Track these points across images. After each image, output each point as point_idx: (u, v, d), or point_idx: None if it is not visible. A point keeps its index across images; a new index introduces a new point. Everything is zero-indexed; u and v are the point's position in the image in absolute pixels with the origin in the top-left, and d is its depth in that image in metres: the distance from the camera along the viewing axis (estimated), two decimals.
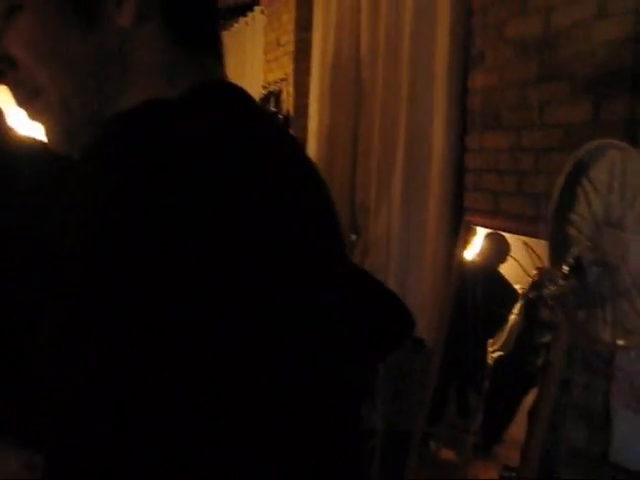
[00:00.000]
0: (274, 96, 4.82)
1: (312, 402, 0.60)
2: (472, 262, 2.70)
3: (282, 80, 4.75)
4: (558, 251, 1.79)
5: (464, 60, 2.63)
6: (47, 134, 0.72)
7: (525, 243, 2.13)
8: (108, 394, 0.50)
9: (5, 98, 0.79)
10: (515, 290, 2.45)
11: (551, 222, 1.80)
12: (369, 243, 3.47)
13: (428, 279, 2.90)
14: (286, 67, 4.69)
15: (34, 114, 0.71)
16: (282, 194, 0.62)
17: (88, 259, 0.51)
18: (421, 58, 2.91)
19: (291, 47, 4.61)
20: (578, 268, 1.64)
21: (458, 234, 2.67)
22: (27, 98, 0.70)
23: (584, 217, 1.71)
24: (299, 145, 0.73)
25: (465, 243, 2.65)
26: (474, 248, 2.68)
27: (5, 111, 1.29)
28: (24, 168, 1.21)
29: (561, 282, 1.63)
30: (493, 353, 2.55)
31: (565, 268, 1.65)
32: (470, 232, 2.64)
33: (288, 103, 4.64)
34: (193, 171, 0.54)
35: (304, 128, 4.34)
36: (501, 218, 2.44)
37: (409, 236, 3.07)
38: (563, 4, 2.09)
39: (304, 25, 4.47)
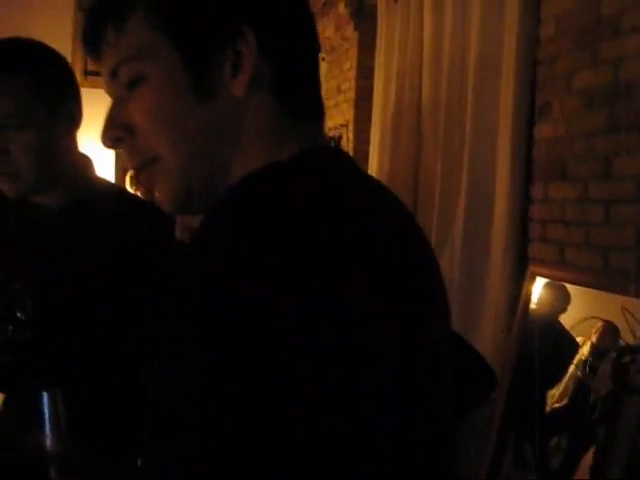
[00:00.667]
0: (334, 141, 4.87)
1: (414, 452, 0.61)
2: (533, 312, 2.66)
3: (342, 126, 4.81)
4: None
5: (529, 111, 2.63)
6: (161, 198, 0.75)
7: (624, 308, 2.07)
8: (232, 447, 0.52)
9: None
10: (576, 341, 2.40)
11: None
12: None
13: (490, 329, 2.86)
14: (346, 113, 4.75)
15: (149, 179, 0.75)
16: (388, 252, 0.63)
17: (215, 310, 0.54)
18: (484, 109, 2.92)
19: (352, 94, 4.68)
20: None
21: (522, 285, 2.63)
22: (143, 164, 0.74)
23: None
24: (403, 206, 0.75)
25: (528, 294, 2.62)
26: (536, 298, 2.64)
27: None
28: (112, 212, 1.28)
29: None
30: (552, 405, 2.49)
31: None
32: (534, 283, 2.60)
33: (348, 149, 4.68)
34: (311, 232, 0.58)
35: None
36: (567, 270, 2.40)
37: (471, 286, 3.04)
38: (634, 55, 2.08)
39: (365, 73, 4.54)
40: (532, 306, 2.65)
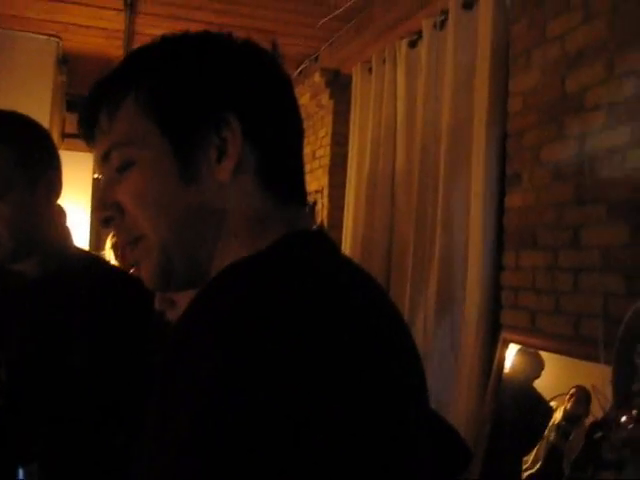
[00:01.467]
0: (309, 207, 4.93)
1: None
2: (507, 377, 2.67)
3: (317, 192, 4.88)
4: (622, 390, 1.78)
5: (500, 181, 2.70)
6: (144, 274, 0.78)
7: (594, 387, 2.10)
8: None
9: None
10: (549, 406, 2.41)
11: (615, 362, 1.79)
12: None
13: (465, 396, 2.86)
14: (321, 180, 4.83)
15: (135, 256, 0.78)
16: (369, 343, 0.63)
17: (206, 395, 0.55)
18: (456, 179, 2.99)
19: (326, 160, 4.76)
20: None
21: (495, 351, 2.66)
22: (130, 241, 0.77)
23: None
24: (378, 288, 0.76)
25: (501, 360, 2.64)
26: (510, 364, 2.66)
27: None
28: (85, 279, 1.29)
29: (630, 426, 1.60)
30: (526, 471, 2.49)
31: (635, 412, 1.63)
32: (507, 350, 2.62)
33: (322, 215, 4.74)
34: (294, 321, 0.59)
35: (338, 240, 4.42)
36: (538, 337, 2.43)
37: (444, 353, 3.06)
38: (597, 131, 2.17)
39: (339, 140, 4.64)
40: (506, 372, 2.66)
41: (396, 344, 0.69)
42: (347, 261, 0.77)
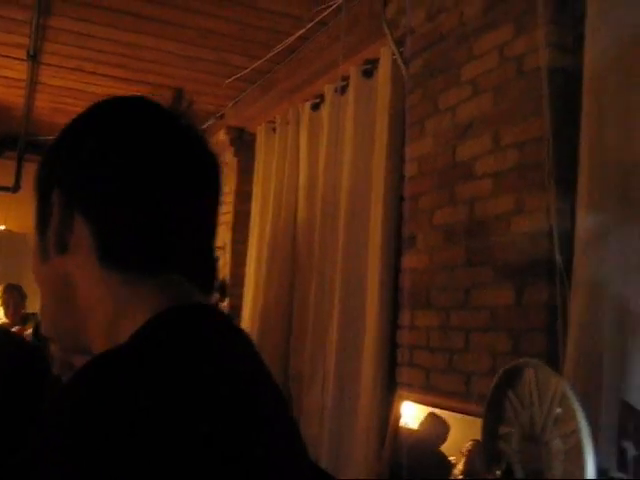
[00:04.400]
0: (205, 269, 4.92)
1: None
2: (404, 434, 2.71)
3: (220, 248, 4.88)
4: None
5: (396, 242, 2.80)
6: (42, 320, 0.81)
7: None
8: None
9: None
10: (448, 461, 2.47)
11: (482, 437, 1.88)
12: (303, 413, 3.46)
13: (362, 453, 2.90)
14: (224, 236, 4.84)
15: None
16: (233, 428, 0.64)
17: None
18: (356, 238, 3.08)
19: (230, 217, 4.79)
20: (509, 472, 1.71)
21: (391, 408, 2.71)
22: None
23: (512, 431, 1.81)
24: (262, 364, 0.76)
25: (397, 418, 2.69)
26: (410, 423, 2.70)
27: None
28: None
29: None
30: None
31: (498, 473, 1.71)
32: (403, 406, 2.68)
33: (225, 271, 4.74)
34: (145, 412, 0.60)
35: (240, 296, 4.42)
36: (433, 394, 2.50)
37: (342, 407, 3.09)
38: (484, 198, 2.30)
39: (243, 197, 4.69)
40: (405, 429, 2.71)
41: (259, 428, 0.68)
42: (221, 338, 0.73)
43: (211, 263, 0.82)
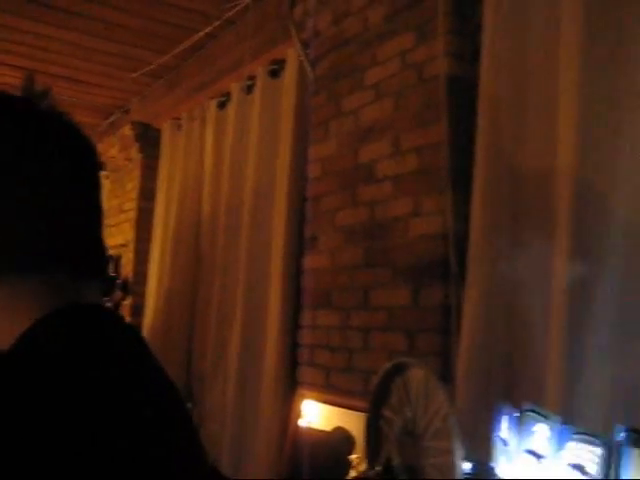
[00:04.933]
0: (113, 261, 4.81)
1: None
2: (305, 433, 2.72)
3: (122, 246, 4.78)
4: (372, 447, 1.91)
5: (299, 242, 2.83)
6: None
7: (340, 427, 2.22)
8: None
9: None
10: (349, 460, 2.49)
11: (367, 417, 1.92)
12: (204, 412, 3.44)
13: (262, 450, 2.90)
14: (127, 233, 4.74)
15: None
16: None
17: None
18: (259, 238, 3.09)
19: (133, 214, 4.69)
20: (389, 469, 1.76)
21: (292, 407, 2.73)
22: None
23: (394, 420, 1.86)
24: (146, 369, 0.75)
25: (298, 416, 2.71)
26: (311, 421, 2.72)
27: None
28: None
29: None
30: None
31: (378, 468, 1.76)
32: (304, 405, 2.70)
33: (127, 269, 4.65)
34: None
35: (142, 294, 4.35)
36: (332, 393, 2.54)
37: (244, 407, 3.09)
38: (384, 200, 2.35)
39: (147, 194, 4.60)
40: (303, 428, 2.73)
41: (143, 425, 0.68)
42: (108, 339, 0.72)
43: (99, 256, 0.78)
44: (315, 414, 2.70)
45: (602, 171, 1.81)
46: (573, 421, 1.35)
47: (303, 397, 2.69)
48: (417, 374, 1.84)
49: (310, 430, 2.73)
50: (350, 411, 2.46)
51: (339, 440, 2.55)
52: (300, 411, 2.70)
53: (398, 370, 1.87)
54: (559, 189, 1.89)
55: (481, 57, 2.13)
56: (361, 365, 2.40)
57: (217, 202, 3.58)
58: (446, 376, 2.06)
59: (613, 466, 1.09)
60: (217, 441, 3.14)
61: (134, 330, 0.78)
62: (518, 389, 1.94)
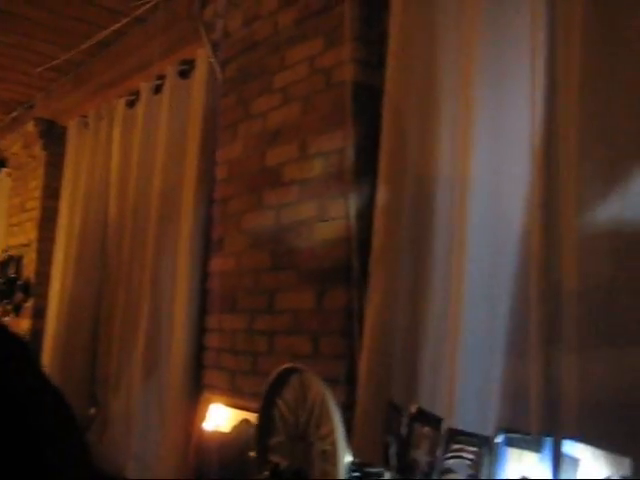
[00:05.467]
0: (15, 261, 4.64)
1: None
2: (211, 435, 2.70)
3: (24, 245, 4.61)
4: (264, 435, 1.92)
5: (206, 245, 2.80)
6: None
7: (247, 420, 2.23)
8: None
9: None
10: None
11: (260, 409, 1.93)
12: (109, 417, 3.36)
13: (168, 454, 2.86)
14: (30, 233, 4.58)
15: None
16: None
17: None
18: (165, 240, 3.04)
19: (36, 213, 4.54)
20: (276, 473, 1.77)
21: (198, 410, 2.70)
22: None
23: (287, 417, 1.87)
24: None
25: (204, 419, 2.68)
26: (217, 425, 2.70)
27: None
28: None
29: None
30: None
31: (266, 473, 1.77)
32: (210, 408, 2.67)
33: (29, 269, 4.48)
34: None
35: (45, 296, 4.20)
36: (238, 396, 2.53)
37: (149, 411, 3.04)
38: (290, 204, 2.36)
39: (51, 193, 4.46)
40: (208, 431, 2.70)
41: None
42: None
43: None
44: (221, 417, 2.68)
45: (499, 181, 1.88)
46: (458, 422, 1.39)
47: (209, 401, 2.67)
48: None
49: (215, 433, 2.71)
50: (255, 414, 2.46)
51: (244, 439, 2.54)
52: (206, 414, 2.68)
53: (300, 371, 1.88)
54: (461, 196, 1.94)
55: (387, 64, 2.17)
56: (266, 368, 2.40)
57: (124, 203, 3.51)
58: (349, 379, 2.09)
59: (490, 465, 1.13)
60: (122, 446, 3.07)
61: (17, 338, 0.76)
62: (417, 391, 1.99)
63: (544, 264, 1.72)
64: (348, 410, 2.07)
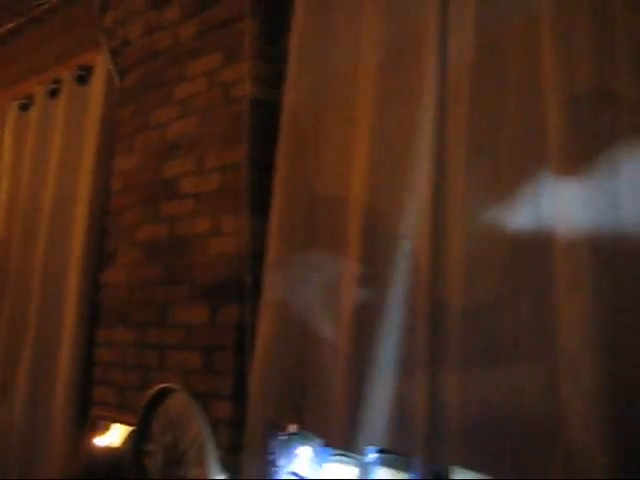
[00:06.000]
0: None
1: None
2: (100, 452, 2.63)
3: None
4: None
5: (98, 257, 2.73)
6: None
7: None
8: None
9: None
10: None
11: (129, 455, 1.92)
12: None
13: (53, 472, 2.76)
14: None
15: None
16: None
17: None
18: (56, 249, 2.95)
19: None
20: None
21: (85, 427, 2.62)
22: None
23: (156, 452, 1.86)
24: None
25: (93, 436, 2.60)
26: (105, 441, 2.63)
27: None
28: None
29: None
30: None
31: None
32: (99, 425, 2.60)
33: None
34: None
35: None
36: (126, 412, 2.47)
37: (35, 428, 2.92)
38: (185, 217, 2.34)
39: None
40: (96, 447, 2.63)
41: None
42: None
43: None
44: (109, 434, 2.61)
45: (390, 201, 1.93)
46: (342, 440, 1.41)
47: (97, 417, 2.60)
48: (178, 398, 1.86)
49: (103, 449, 2.63)
50: None
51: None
52: (94, 431, 2.60)
53: (160, 399, 1.88)
54: (351, 215, 1.98)
55: (285, 83, 2.19)
56: (157, 384, 2.36)
57: (13, 211, 3.37)
58: (240, 394, 2.08)
59: None
60: (4, 463, 2.94)
61: None
62: (307, 407, 2.01)
63: (431, 282, 1.78)
64: (239, 426, 2.06)
